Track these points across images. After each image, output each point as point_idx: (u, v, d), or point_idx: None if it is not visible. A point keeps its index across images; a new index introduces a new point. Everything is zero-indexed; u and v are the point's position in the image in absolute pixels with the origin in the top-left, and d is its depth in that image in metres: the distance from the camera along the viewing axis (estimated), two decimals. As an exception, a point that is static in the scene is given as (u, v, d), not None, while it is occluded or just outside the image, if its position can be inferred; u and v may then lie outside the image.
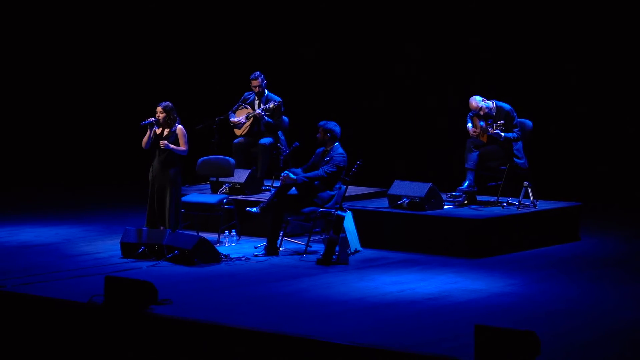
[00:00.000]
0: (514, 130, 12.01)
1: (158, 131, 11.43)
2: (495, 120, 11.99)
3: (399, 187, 11.99)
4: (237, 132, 13.43)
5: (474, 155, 12.11)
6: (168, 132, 11.39)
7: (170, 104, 11.47)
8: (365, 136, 15.74)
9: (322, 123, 11.58)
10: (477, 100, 12.11)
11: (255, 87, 13.29)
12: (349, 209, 11.54)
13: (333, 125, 11.54)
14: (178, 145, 11.38)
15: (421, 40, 15.66)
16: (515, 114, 12.07)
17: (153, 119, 11.43)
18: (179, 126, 11.42)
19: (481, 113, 12.09)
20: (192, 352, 8.27)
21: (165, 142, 11.32)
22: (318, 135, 11.55)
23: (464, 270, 10.56)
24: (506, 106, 12.07)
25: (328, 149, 11.51)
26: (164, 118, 11.39)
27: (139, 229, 11.16)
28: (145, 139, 11.43)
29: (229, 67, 16.81)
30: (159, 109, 11.44)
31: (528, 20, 14.85)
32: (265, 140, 13.12)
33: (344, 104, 16.09)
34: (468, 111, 12.32)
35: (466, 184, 12.16)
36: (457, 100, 14.49)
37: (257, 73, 13.29)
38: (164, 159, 11.36)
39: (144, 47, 17.95)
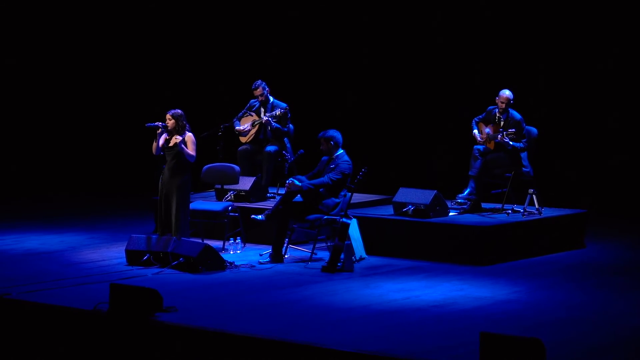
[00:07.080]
0: (522, 140, 11.99)
1: (168, 137, 11.33)
2: (505, 127, 11.96)
3: (404, 195, 11.98)
4: (243, 139, 13.40)
5: (478, 163, 12.10)
6: (176, 139, 11.28)
7: (179, 111, 11.35)
8: (370, 143, 15.73)
9: (321, 134, 11.56)
10: (508, 94, 12.05)
11: (258, 96, 13.24)
12: (354, 217, 11.54)
13: (333, 132, 11.53)
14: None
15: (425, 44, 15.67)
16: (524, 124, 12.06)
17: (160, 123, 11.34)
18: (189, 133, 11.31)
19: (503, 106, 12.00)
20: (197, 359, 8.27)
21: (179, 139, 11.20)
22: (322, 147, 11.54)
23: (469, 277, 10.55)
24: (517, 115, 12.04)
25: (333, 156, 11.51)
26: (173, 125, 11.31)
27: (144, 236, 11.15)
28: (155, 145, 11.35)
29: (234, 74, 16.81)
30: (168, 116, 11.31)
31: (529, 24, 14.84)
32: (270, 147, 13.10)
33: (349, 111, 16.10)
34: (473, 116, 12.34)
35: (467, 191, 12.16)
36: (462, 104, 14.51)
37: (258, 82, 13.16)
38: (173, 166, 11.27)
39: (149, 55, 17.97)
